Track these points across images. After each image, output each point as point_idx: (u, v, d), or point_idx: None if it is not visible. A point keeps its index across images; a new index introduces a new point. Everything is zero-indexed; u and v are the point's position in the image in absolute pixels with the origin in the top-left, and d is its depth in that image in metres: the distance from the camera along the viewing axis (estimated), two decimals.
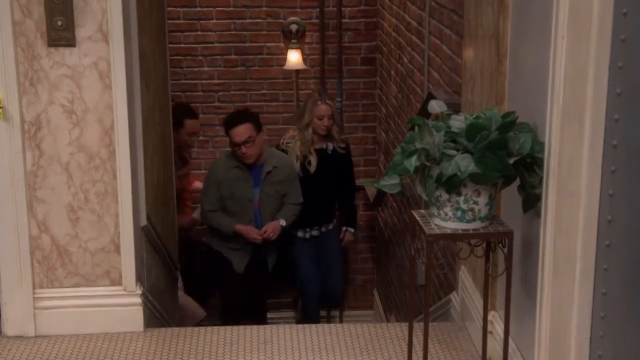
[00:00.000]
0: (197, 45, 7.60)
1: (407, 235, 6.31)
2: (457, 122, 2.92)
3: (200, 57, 7.78)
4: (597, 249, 2.69)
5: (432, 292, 4.78)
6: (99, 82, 3.65)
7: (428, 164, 2.89)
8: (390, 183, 3.00)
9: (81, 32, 3.60)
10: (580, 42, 2.61)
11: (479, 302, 3.65)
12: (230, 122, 6.33)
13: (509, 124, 2.84)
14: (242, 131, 6.18)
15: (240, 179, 6.34)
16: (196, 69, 7.70)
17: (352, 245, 7.92)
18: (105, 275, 3.86)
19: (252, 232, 6.31)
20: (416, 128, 2.97)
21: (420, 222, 3.06)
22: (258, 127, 6.27)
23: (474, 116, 2.94)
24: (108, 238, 3.82)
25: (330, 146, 6.86)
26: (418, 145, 2.92)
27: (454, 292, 4.20)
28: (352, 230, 7.29)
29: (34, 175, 3.71)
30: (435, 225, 3.00)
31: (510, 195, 3.14)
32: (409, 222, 6.00)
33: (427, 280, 3.07)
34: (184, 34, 7.66)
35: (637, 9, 2.44)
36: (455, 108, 3.84)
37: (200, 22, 7.70)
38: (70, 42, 3.59)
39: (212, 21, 7.55)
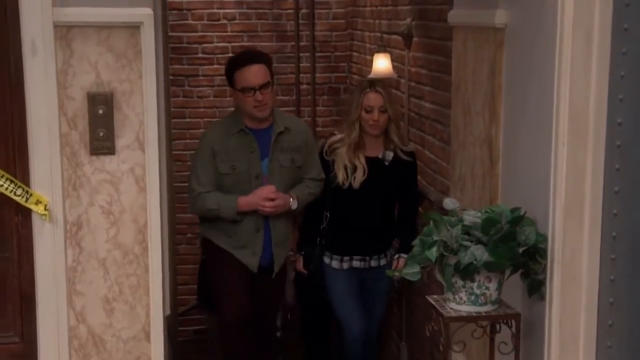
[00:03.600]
0: (186, 152, 7.96)
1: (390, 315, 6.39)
2: (470, 217, 3.34)
3: (189, 163, 8.02)
4: (598, 328, 3.08)
5: None
6: (135, 186, 3.96)
7: (446, 253, 3.30)
8: (412, 271, 3.40)
9: (120, 142, 3.90)
10: (579, 148, 3.05)
11: None
12: (241, 60, 4.92)
13: (518, 218, 3.26)
14: (258, 70, 4.79)
15: (243, 148, 4.86)
16: (185, 174, 7.99)
17: None
18: None
19: (261, 194, 4.82)
20: (432, 222, 3.39)
21: (436, 306, 3.45)
22: (273, 76, 4.92)
23: (484, 211, 3.37)
24: (139, 327, 4.09)
25: (390, 155, 5.25)
26: (436, 238, 3.33)
27: None
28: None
29: (74, 270, 4.00)
30: (451, 308, 3.39)
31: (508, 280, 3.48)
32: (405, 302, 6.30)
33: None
34: (175, 142, 8.01)
35: (629, 119, 2.87)
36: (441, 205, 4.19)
37: (190, 132, 8.15)
38: (111, 151, 3.88)
39: (199, 130, 7.86)
